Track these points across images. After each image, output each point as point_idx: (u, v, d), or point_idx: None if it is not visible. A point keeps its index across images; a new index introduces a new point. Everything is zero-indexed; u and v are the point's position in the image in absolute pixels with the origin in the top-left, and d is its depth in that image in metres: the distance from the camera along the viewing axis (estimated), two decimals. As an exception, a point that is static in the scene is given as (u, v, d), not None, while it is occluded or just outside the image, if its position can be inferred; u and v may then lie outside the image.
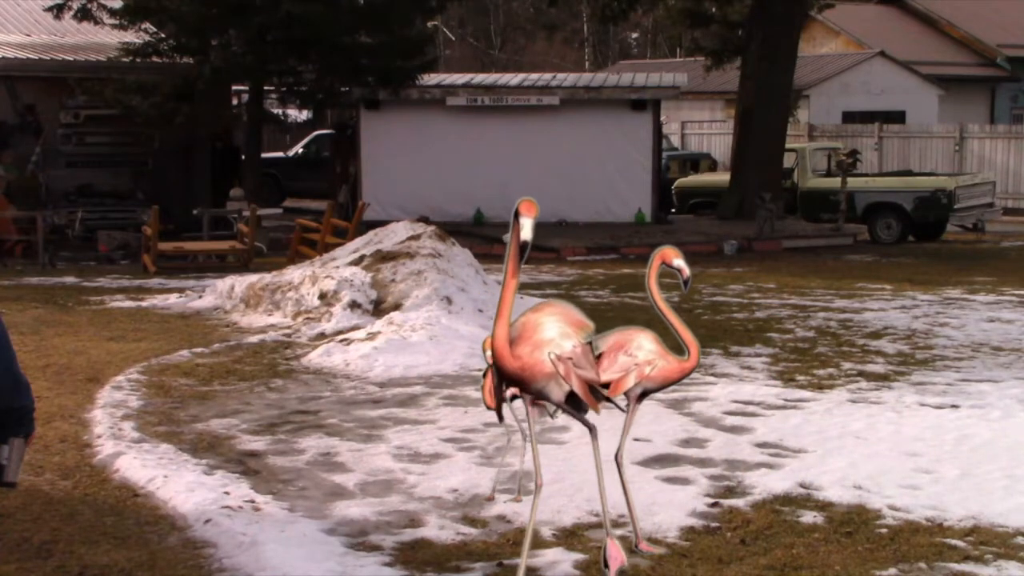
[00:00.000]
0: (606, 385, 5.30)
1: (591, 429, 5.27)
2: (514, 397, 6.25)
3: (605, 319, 12.22)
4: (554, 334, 5.05)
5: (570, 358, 5.05)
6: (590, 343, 5.18)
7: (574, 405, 5.21)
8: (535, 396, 5.15)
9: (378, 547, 5.64)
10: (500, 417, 5.54)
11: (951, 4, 39.71)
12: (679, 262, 5.57)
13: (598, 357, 5.55)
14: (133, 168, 22.08)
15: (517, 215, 4.98)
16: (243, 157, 22.94)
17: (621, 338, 5.50)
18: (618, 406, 5.49)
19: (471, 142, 22.97)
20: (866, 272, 17.32)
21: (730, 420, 8.11)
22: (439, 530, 5.87)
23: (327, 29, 20.36)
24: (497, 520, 6.02)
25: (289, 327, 11.71)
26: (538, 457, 5.16)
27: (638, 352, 5.42)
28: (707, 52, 31.64)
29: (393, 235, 13.41)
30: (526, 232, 4.93)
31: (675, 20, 33.29)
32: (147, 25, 21.34)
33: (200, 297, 13.69)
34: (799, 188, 23.51)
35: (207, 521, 5.90)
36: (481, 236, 20.48)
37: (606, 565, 5.08)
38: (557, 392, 5.08)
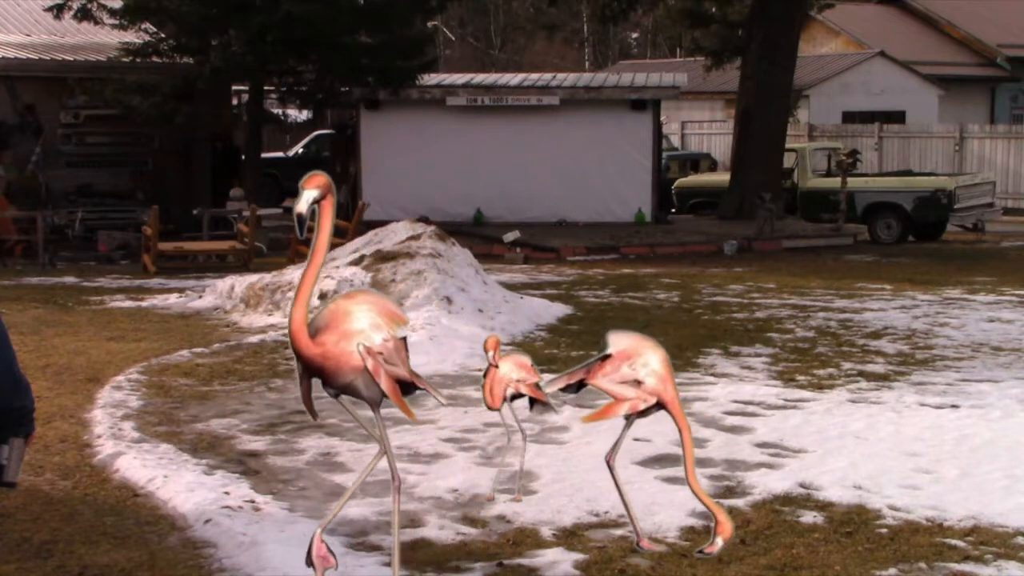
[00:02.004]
0: (411, 385, 5.02)
1: (381, 443, 4.98)
2: (514, 397, 6.26)
3: (605, 319, 12.25)
4: (364, 325, 4.70)
5: (380, 352, 4.72)
6: (404, 338, 4.89)
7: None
8: (339, 391, 4.81)
9: (378, 547, 5.64)
10: (312, 414, 5.02)
11: (951, 4, 39.71)
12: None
13: (604, 358, 5.46)
14: (133, 168, 22.07)
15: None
16: (243, 157, 22.94)
17: (632, 348, 5.35)
18: (438, 398, 5.32)
19: (471, 142, 22.96)
20: (866, 272, 17.32)
21: (730, 420, 8.11)
22: (439, 530, 5.87)
23: (327, 29, 20.36)
24: (497, 520, 6.02)
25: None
26: (393, 461, 4.96)
27: (642, 368, 5.27)
28: (707, 52, 31.68)
29: (393, 235, 13.41)
30: (299, 204, 4.48)
31: (675, 20, 33.37)
32: (147, 25, 21.34)
33: (200, 297, 13.69)
34: (799, 188, 23.51)
35: (207, 521, 5.90)
36: (481, 236, 20.48)
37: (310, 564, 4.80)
38: (365, 388, 4.78)
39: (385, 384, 4.75)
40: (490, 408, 6.21)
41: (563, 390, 5.60)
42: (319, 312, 4.72)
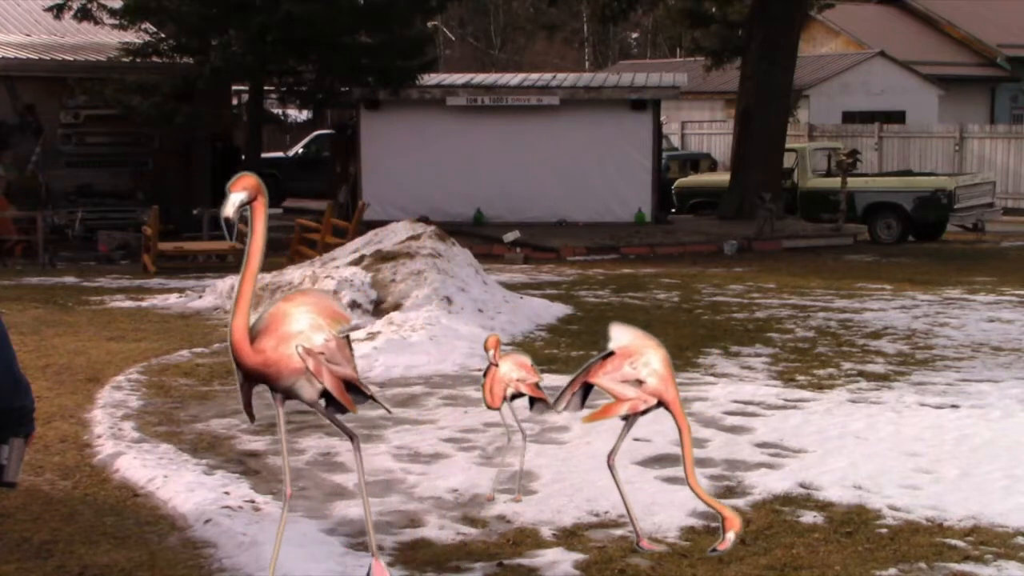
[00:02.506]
0: (356, 385, 4.87)
1: (352, 437, 4.93)
2: (514, 396, 6.27)
3: (605, 319, 12.21)
4: (303, 326, 4.60)
5: (322, 352, 4.62)
6: (347, 337, 4.79)
7: (333, 406, 4.85)
8: (284, 395, 4.72)
9: (378, 547, 5.64)
10: (251, 417, 4.95)
11: (951, 4, 39.71)
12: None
13: (606, 357, 5.45)
14: (133, 168, 22.07)
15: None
16: (243, 157, 22.94)
17: (634, 346, 5.35)
18: (384, 406, 5.14)
19: (471, 142, 22.96)
20: (866, 272, 17.32)
21: (730, 420, 8.11)
22: (439, 530, 5.87)
23: (327, 29, 20.36)
24: (497, 520, 6.02)
25: (289, 327, 11.69)
26: (287, 463, 4.94)
27: (643, 368, 5.28)
28: (707, 52, 31.68)
29: (393, 235, 13.41)
30: (226, 207, 4.45)
31: (675, 20, 33.37)
32: (147, 25, 21.34)
33: (200, 297, 13.69)
34: (799, 188, 23.51)
35: (207, 521, 5.90)
36: (481, 236, 20.48)
37: None
38: (308, 391, 4.67)
39: (328, 381, 4.65)
40: (489, 407, 6.22)
41: (570, 404, 5.60)
42: (259, 316, 4.63)
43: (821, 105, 33.79)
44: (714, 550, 5.07)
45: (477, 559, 5.48)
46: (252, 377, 4.62)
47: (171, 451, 7.24)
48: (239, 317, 4.49)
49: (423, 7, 23.65)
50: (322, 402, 4.78)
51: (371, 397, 4.96)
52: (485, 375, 6.20)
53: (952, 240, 22.60)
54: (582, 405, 5.64)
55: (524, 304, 12.65)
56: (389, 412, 5.32)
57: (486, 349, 6.15)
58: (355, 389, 4.89)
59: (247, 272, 4.55)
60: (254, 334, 4.56)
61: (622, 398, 5.29)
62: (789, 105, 26.62)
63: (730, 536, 4.97)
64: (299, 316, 4.60)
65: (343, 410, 4.86)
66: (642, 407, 5.28)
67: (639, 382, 5.27)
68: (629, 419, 5.46)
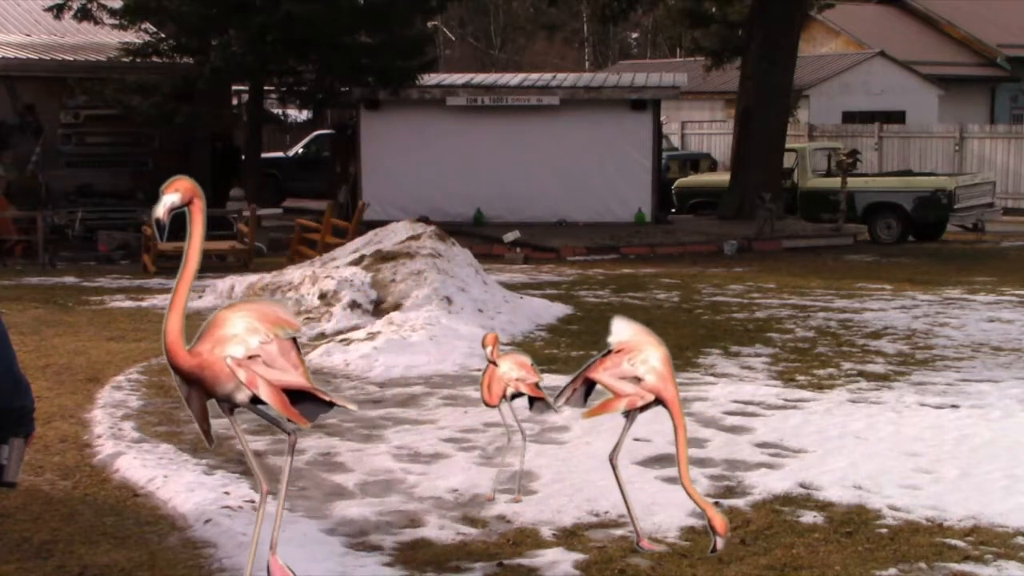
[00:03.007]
0: (307, 393, 4.64)
1: (288, 432, 4.71)
2: (514, 396, 6.27)
3: (605, 319, 12.23)
4: (239, 330, 4.47)
5: (258, 355, 4.46)
6: (294, 340, 4.62)
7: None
8: (228, 403, 4.57)
9: (378, 547, 5.64)
10: (208, 439, 4.78)
11: (951, 4, 39.71)
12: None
13: (606, 354, 5.48)
14: (133, 168, 22.07)
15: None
16: (243, 157, 22.94)
17: (633, 343, 5.37)
18: (347, 406, 4.88)
19: (471, 142, 22.96)
20: (866, 272, 17.32)
21: (730, 420, 8.11)
22: (439, 530, 5.87)
23: (327, 29, 20.37)
24: (497, 520, 6.02)
25: (289, 327, 11.69)
26: (253, 462, 4.87)
27: (641, 366, 5.30)
28: (707, 52, 31.68)
29: (393, 235, 13.41)
30: (157, 208, 4.37)
31: (675, 20, 33.38)
32: (147, 25, 21.35)
33: (200, 297, 13.68)
34: (799, 188, 23.51)
35: (207, 521, 5.90)
36: (481, 236, 20.48)
37: None
38: (244, 396, 4.51)
39: (265, 394, 4.47)
40: (487, 405, 6.22)
41: (569, 401, 5.62)
42: (203, 325, 4.53)
43: (821, 105, 33.79)
44: (713, 551, 5.08)
45: (477, 559, 5.47)
46: (190, 382, 4.47)
47: (171, 451, 7.24)
48: (173, 319, 4.39)
49: (423, 7, 23.65)
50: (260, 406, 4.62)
51: (331, 403, 4.73)
52: (484, 374, 6.20)
53: (952, 240, 22.60)
54: (584, 402, 5.65)
55: (524, 304, 12.65)
56: (353, 410, 5.19)
57: (484, 346, 6.16)
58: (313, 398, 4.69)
59: (184, 274, 4.48)
60: (195, 340, 4.46)
61: (620, 394, 5.30)
62: (789, 105, 26.62)
63: (718, 541, 4.99)
64: (236, 321, 4.50)
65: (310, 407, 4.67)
66: (640, 403, 5.30)
67: (637, 379, 5.29)
68: (630, 416, 5.47)
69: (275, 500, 4.73)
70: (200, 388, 4.49)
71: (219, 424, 7.93)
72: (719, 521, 5.03)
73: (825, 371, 9.80)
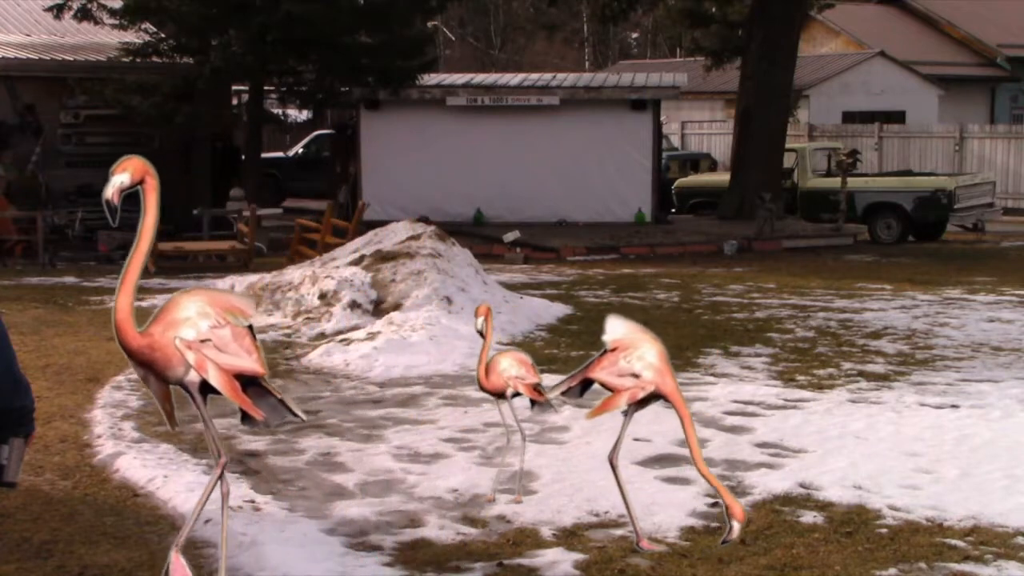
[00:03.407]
0: (251, 379, 4.62)
1: (219, 454, 4.62)
2: (515, 395, 6.27)
3: (605, 319, 12.25)
4: (191, 313, 4.41)
5: (208, 339, 4.39)
6: (250, 327, 4.58)
7: (249, 421, 4.64)
8: (173, 384, 4.49)
9: (378, 547, 5.64)
10: (171, 421, 4.73)
11: (951, 4, 39.71)
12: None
13: (603, 353, 5.53)
14: (133, 168, 22.02)
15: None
16: (243, 157, 22.94)
17: (628, 340, 5.43)
18: (296, 413, 4.81)
19: (471, 142, 22.96)
20: (866, 272, 17.32)
21: (730, 420, 8.11)
22: (439, 530, 5.87)
23: (327, 29, 20.37)
24: (497, 520, 6.02)
25: (289, 327, 11.71)
26: (214, 438, 4.68)
27: (637, 362, 5.34)
28: (707, 52, 31.68)
29: (393, 235, 13.41)
30: (107, 189, 4.33)
31: (675, 20, 33.38)
32: (147, 25, 21.34)
33: (200, 297, 13.67)
34: (799, 188, 23.51)
35: (207, 521, 5.90)
36: (481, 236, 20.48)
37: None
38: (197, 381, 4.44)
39: (215, 379, 4.40)
40: (481, 387, 6.21)
41: (565, 393, 5.64)
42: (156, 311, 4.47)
43: (821, 105, 33.79)
44: (725, 541, 5.06)
45: (477, 559, 5.47)
46: (143, 365, 4.40)
47: (171, 451, 7.24)
48: (123, 297, 4.34)
49: (423, 7, 23.65)
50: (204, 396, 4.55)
51: (281, 401, 4.71)
52: (481, 350, 6.21)
53: (952, 240, 22.60)
54: (581, 394, 5.66)
55: (524, 304, 12.65)
56: (302, 420, 5.11)
57: (476, 316, 6.18)
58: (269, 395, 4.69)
59: (136, 252, 4.46)
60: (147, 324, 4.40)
61: (620, 389, 5.33)
62: (789, 105, 26.62)
63: (735, 526, 4.96)
64: (188, 304, 4.45)
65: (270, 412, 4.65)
66: (640, 395, 5.32)
67: (635, 376, 5.32)
68: (629, 412, 5.49)
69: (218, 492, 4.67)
70: (152, 371, 4.42)
71: (219, 424, 7.94)
72: (737, 508, 5.01)
73: (825, 371, 9.80)
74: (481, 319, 6.16)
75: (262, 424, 4.75)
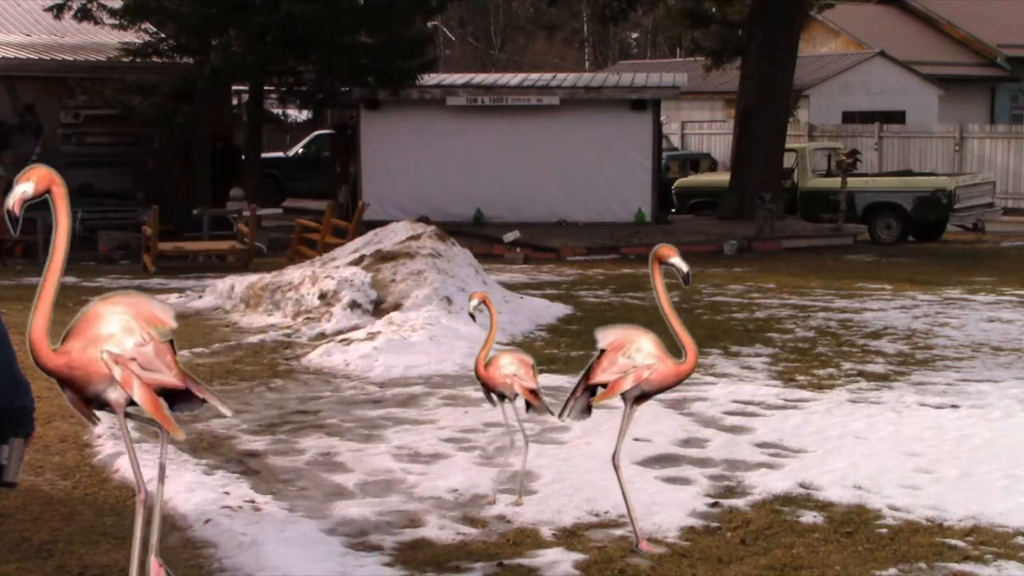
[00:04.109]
0: (185, 394, 4.51)
1: (161, 472, 4.57)
2: (515, 395, 6.27)
3: (605, 319, 12.25)
4: (115, 329, 4.28)
5: (134, 359, 4.29)
6: (171, 341, 4.49)
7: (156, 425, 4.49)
8: (94, 401, 4.38)
9: (378, 547, 5.64)
10: (90, 419, 4.62)
11: (951, 4, 39.71)
12: (675, 259, 5.50)
13: (600, 355, 5.58)
14: (133, 168, 22.05)
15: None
16: (243, 157, 22.94)
17: (622, 338, 5.56)
18: (222, 410, 4.72)
19: (471, 142, 22.96)
20: (866, 272, 17.32)
21: (730, 420, 8.11)
22: (439, 530, 5.87)
23: (327, 29, 20.37)
24: (497, 520, 6.02)
25: (289, 327, 11.71)
26: (137, 467, 4.57)
27: (636, 354, 5.45)
28: (707, 52, 31.68)
29: (393, 235, 13.42)
30: (9, 199, 4.14)
31: (675, 20, 33.38)
32: (147, 25, 21.34)
33: (200, 297, 13.69)
34: (799, 188, 23.51)
35: (207, 521, 5.90)
36: (481, 236, 20.49)
37: None
38: (117, 398, 4.32)
39: (139, 396, 4.28)
40: (477, 375, 6.21)
41: (572, 412, 5.68)
42: (75, 317, 4.36)
43: (821, 105, 33.79)
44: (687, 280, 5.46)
45: (477, 559, 5.47)
46: (61, 382, 4.30)
47: (171, 451, 7.23)
48: (38, 316, 4.22)
49: (423, 7, 23.65)
50: (132, 409, 4.45)
51: (204, 400, 4.60)
52: (484, 345, 6.22)
53: (952, 240, 22.60)
54: (588, 412, 5.71)
55: (524, 304, 12.65)
56: (227, 414, 5.02)
57: (470, 299, 6.20)
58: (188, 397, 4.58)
59: (51, 267, 4.30)
60: (65, 335, 4.29)
61: (625, 373, 5.40)
62: (789, 105, 26.62)
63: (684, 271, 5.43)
64: (111, 318, 4.31)
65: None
66: (646, 373, 5.39)
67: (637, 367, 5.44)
68: (628, 411, 5.52)
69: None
70: (70, 388, 4.31)
71: (219, 424, 7.96)
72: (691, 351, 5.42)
73: (825, 371, 9.80)
74: (476, 301, 6.19)
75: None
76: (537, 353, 9.99)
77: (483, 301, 6.26)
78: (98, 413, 4.50)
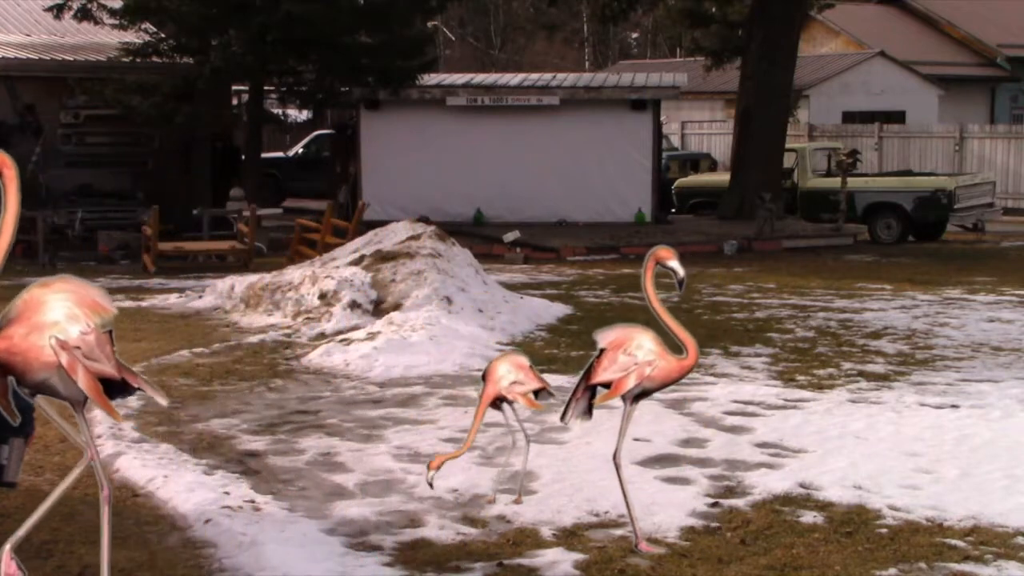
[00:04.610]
0: (121, 383, 4.51)
1: (103, 487, 4.49)
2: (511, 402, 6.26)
3: (605, 319, 12.24)
4: (59, 316, 4.23)
5: (78, 347, 4.26)
6: (109, 331, 4.46)
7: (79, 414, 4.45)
8: (35, 389, 4.32)
9: (378, 547, 5.64)
10: (11, 415, 4.44)
11: (951, 4, 39.70)
12: (673, 263, 5.48)
13: (599, 355, 5.57)
14: (133, 168, 22.05)
15: None
16: (243, 157, 22.94)
17: (621, 336, 5.55)
18: (158, 398, 4.72)
19: (471, 142, 22.96)
20: (866, 272, 17.32)
21: (730, 420, 8.11)
22: (439, 530, 5.87)
23: (327, 29, 20.37)
24: (497, 520, 6.02)
25: (289, 327, 11.71)
26: (100, 470, 4.54)
27: (637, 351, 5.46)
28: (707, 52, 31.68)
29: (393, 235, 13.41)
30: None
31: (675, 20, 33.38)
32: (147, 25, 21.34)
33: (200, 297, 13.69)
34: (799, 188, 23.51)
35: (207, 521, 5.91)
36: (481, 236, 20.48)
37: None
38: (63, 386, 4.30)
39: (83, 382, 4.28)
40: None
41: (573, 413, 5.68)
42: (13, 302, 4.26)
43: (821, 105, 33.78)
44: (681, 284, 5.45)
45: (477, 559, 5.48)
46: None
47: (171, 451, 7.24)
48: None
49: (423, 7, 23.65)
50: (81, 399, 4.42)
51: (139, 388, 4.60)
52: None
53: (952, 240, 22.60)
54: (590, 413, 5.71)
55: (524, 304, 12.65)
56: (165, 404, 4.99)
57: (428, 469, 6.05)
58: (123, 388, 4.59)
59: None
60: (4, 320, 4.22)
61: (628, 371, 5.40)
62: (789, 105, 26.62)
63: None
64: (55, 304, 4.25)
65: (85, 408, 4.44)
66: (648, 370, 5.38)
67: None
68: (628, 409, 5.52)
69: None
70: (7, 373, 4.25)
71: (219, 424, 7.96)
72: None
73: (825, 371, 9.80)
74: (431, 473, 6.03)
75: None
76: (537, 353, 10.00)
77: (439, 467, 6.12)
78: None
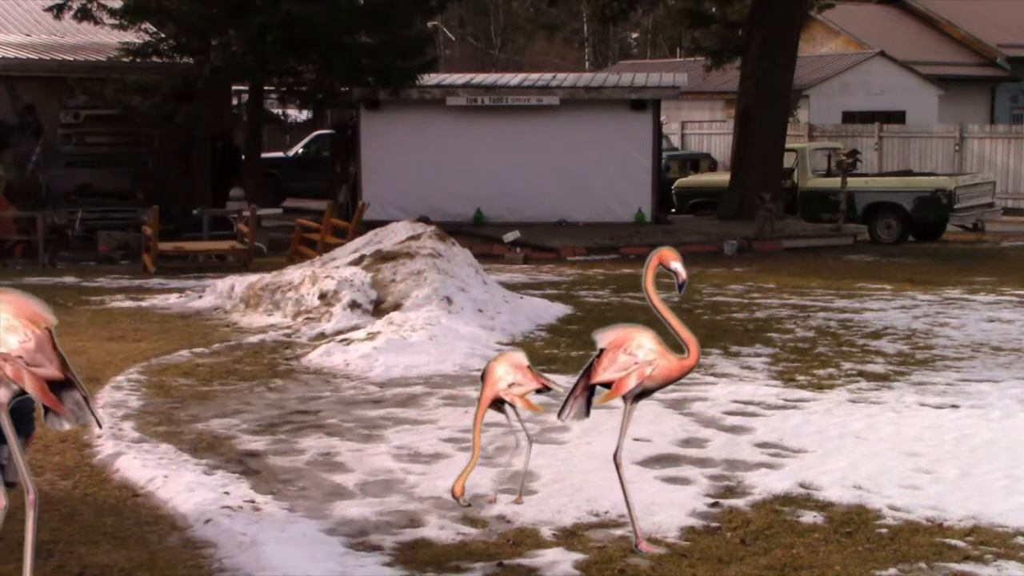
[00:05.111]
0: (65, 383, 4.61)
1: (29, 491, 4.59)
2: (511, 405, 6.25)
3: (605, 319, 12.24)
4: None
5: (20, 356, 4.40)
6: (50, 331, 4.57)
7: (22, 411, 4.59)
8: None
9: (378, 547, 5.64)
10: None
11: (951, 4, 39.71)
12: (676, 265, 5.47)
13: (599, 354, 5.58)
14: (133, 168, 22.06)
15: None
16: (243, 157, 22.95)
17: (621, 336, 5.55)
18: (96, 418, 4.78)
19: (471, 142, 22.95)
20: (866, 272, 17.32)
21: (730, 420, 8.11)
22: (439, 530, 5.87)
23: (327, 29, 20.37)
24: (497, 520, 6.02)
25: (289, 327, 11.72)
26: (25, 473, 4.60)
27: (638, 351, 5.46)
28: (707, 52, 31.68)
29: (393, 235, 13.41)
30: None
31: (675, 20, 33.38)
32: (147, 25, 21.35)
33: (200, 297, 13.69)
34: (799, 188, 23.51)
35: (207, 521, 5.90)
36: (481, 236, 20.48)
37: None
38: (4, 394, 4.40)
39: (30, 385, 4.42)
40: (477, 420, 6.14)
41: (571, 412, 5.68)
42: None
43: (821, 105, 33.79)
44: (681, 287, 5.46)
45: (477, 559, 5.48)
46: None
47: (171, 451, 7.24)
48: None
49: (423, 7, 23.65)
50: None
51: (85, 398, 4.72)
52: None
53: (952, 240, 22.60)
54: (587, 412, 5.71)
55: (524, 304, 12.65)
56: (100, 426, 5.07)
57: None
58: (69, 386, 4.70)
59: None
60: None
61: (628, 371, 5.40)
62: (789, 105, 26.62)
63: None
64: None
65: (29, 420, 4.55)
66: (648, 370, 5.38)
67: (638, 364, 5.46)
68: (629, 404, 5.52)
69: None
70: None
71: (219, 424, 7.96)
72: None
73: (825, 371, 9.80)
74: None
75: (66, 420, 4.67)
76: (537, 353, 10.00)
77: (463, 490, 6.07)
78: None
